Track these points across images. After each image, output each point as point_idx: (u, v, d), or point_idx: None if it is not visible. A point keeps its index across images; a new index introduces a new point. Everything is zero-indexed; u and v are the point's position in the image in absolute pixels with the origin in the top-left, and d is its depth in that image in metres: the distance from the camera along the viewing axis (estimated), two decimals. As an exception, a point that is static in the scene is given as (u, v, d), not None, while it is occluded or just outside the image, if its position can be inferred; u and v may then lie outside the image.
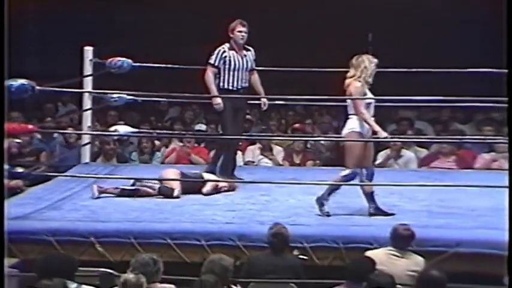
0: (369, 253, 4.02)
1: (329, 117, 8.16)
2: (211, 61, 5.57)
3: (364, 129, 4.79)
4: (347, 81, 4.83)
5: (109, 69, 6.16)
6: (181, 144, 6.99)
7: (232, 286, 3.61)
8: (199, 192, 5.41)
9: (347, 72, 4.87)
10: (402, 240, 4.07)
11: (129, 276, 3.36)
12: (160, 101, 8.01)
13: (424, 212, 4.93)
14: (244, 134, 7.18)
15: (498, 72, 5.42)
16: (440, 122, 7.69)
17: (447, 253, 4.27)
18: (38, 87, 4.83)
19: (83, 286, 3.51)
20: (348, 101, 4.80)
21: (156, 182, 5.37)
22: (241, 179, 5.65)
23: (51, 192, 5.47)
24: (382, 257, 3.87)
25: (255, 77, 5.73)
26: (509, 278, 2.97)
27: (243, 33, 5.53)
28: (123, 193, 5.34)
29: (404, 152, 6.66)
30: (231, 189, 5.52)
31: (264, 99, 5.76)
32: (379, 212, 4.80)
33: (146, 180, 5.39)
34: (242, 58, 5.60)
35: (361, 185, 4.86)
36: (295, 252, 4.36)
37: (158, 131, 7.27)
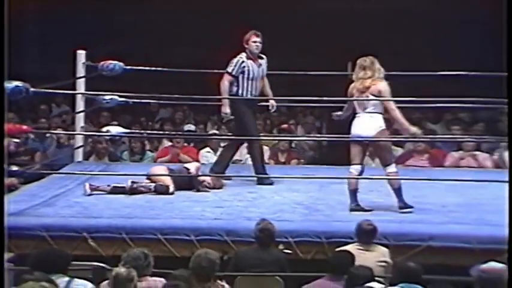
0: (339, 249, 4.02)
1: (312, 117, 8.18)
2: (230, 70, 5.54)
3: None
4: (368, 82, 4.78)
5: (101, 72, 6.13)
6: (171, 144, 6.97)
7: (218, 281, 3.58)
8: (188, 187, 5.40)
9: (349, 75, 4.90)
10: (366, 234, 4.11)
11: (121, 270, 3.33)
12: (151, 103, 7.98)
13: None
14: (230, 133, 7.20)
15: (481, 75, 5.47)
16: (413, 122, 7.68)
17: (421, 247, 4.31)
18: (32, 89, 4.80)
19: (76, 279, 3.48)
20: (373, 98, 4.76)
21: (150, 182, 5.33)
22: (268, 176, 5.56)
23: (45, 189, 5.44)
24: (352, 251, 3.88)
25: (265, 81, 5.70)
26: (509, 277, 2.96)
27: (257, 43, 5.51)
28: (115, 190, 5.31)
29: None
30: (217, 186, 5.49)
31: (272, 101, 5.71)
32: (406, 205, 4.81)
33: (142, 181, 5.33)
34: (258, 67, 5.58)
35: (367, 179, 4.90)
36: (280, 247, 4.36)
37: (149, 132, 7.24)
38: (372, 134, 4.78)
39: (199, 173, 5.51)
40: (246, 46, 5.54)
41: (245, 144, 6.99)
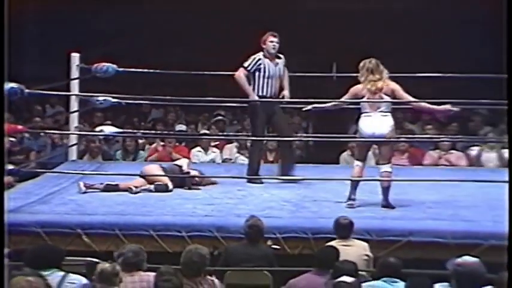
0: (325, 245, 4.04)
1: (299, 118, 8.19)
2: (245, 65, 5.56)
3: None
4: (380, 83, 4.86)
5: (95, 73, 6.11)
6: (163, 143, 6.96)
7: (208, 276, 3.58)
8: (180, 185, 5.42)
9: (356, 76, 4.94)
10: (344, 229, 4.15)
11: (105, 265, 3.32)
12: (143, 103, 7.96)
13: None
14: (220, 133, 7.20)
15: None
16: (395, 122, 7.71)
17: (401, 242, 4.37)
18: (27, 90, 4.78)
19: (70, 274, 3.47)
20: (386, 98, 4.86)
21: (147, 183, 5.33)
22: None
23: (40, 187, 5.44)
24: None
25: (285, 78, 5.66)
26: (509, 276, 2.99)
27: (274, 43, 5.52)
28: (108, 188, 5.30)
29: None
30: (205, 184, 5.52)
31: (285, 92, 5.62)
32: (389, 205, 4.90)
33: (141, 185, 5.33)
34: (275, 66, 5.57)
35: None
36: (269, 243, 4.39)
37: (142, 131, 7.23)
38: (385, 133, 4.86)
39: (189, 169, 5.51)
40: (264, 46, 5.56)
41: (234, 144, 7.04)
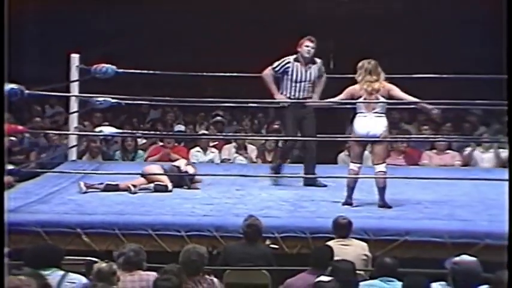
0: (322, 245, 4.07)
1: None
2: (274, 65, 5.53)
3: None
4: (376, 84, 4.90)
5: (94, 74, 6.14)
6: (162, 143, 6.99)
7: (206, 275, 3.61)
8: (179, 184, 5.44)
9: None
10: (342, 228, 4.17)
11: (102, 265, 3.35)
12: (142, 104, 7.99)
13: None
14: (219, 133, 7.21)
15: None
16: (391, 123, 7.73)
17: (398, 241, 4.41)
18: (27, 91, 4.81)
19: (70, 273, 3.49)
20: (382, 99, 4.91)
21: (147, 182, 5.35)
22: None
23: (40, 187, 5.46)
24: (333, 247, 3.93)
25: (320, 83, 5.59)
26: (509, 275, 3.03)
27: (309, 48, 5.46)
28: (108, 188, 5.33)
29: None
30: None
31: (313, 96, 5.53)
32: (386, 205, 4.93)
33: (140, 183, 5.36)
34: (306, 71, 5.49)
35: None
36: (267, 242, 4.41)
37: (141, 132, 7.26)
38: (379, 133, 4.90)
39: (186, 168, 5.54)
40: (299, 50, 5.49)
41: (233, 144, 7.07)
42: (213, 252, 4.30)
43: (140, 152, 6.99)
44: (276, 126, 7.61)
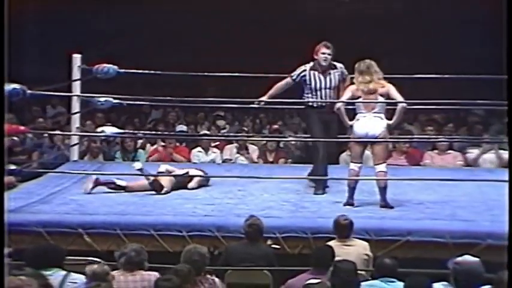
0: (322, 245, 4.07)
1: (298, 118, 8.23)
2: (292, 74, 5.41)
3: None
4: (371, 85, 4.90)
5: (96, 74, 6.14)
6: (163, 144, 6.99)
7: (208, 275, 3.61)
8: (185, 187, 5.44)
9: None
10: (343, 229, 4.18)
11: (94, 266, 3.36)
12: (144, 104, 8.00)
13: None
14: (220, 134, 7.21)
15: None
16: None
17: (400, 241, 4.41)
18: (29, 91, 4.81)
19: (72, 274, 3.50)
20: (381, 100, 4.90)
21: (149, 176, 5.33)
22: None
23: (42, 187, 5.46)
24: (334, 247, 3.94)
25: (344, 84, 5.40)
26: (509, 275, 3.04)
27: (326, 55, 5.30)
28: (115, 187, 5.31)
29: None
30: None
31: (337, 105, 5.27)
32: (388, 205, 4.92)
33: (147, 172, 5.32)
34: (325, 78, 5.32)
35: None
36: (269, 242, 4.41)
37: (143, 132, 7.27)
38: (378, 133, 4.90)
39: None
40: (316, 57, 5.33)
41: (234, 144, 7.08)
42: (215, 252, 4.30)
43: (141, 151, 6.99)
44: (276, 126, 7.62)
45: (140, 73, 6.32)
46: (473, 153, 6.58)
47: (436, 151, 6.72)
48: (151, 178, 5.33)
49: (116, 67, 6.18)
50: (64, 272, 3.48)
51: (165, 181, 5.37)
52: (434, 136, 6.94)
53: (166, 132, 7.29)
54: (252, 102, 5.71)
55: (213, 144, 7.01)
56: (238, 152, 6.98)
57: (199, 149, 6.91)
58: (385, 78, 5.02)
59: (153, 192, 5.31)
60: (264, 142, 7.04)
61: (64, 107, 8.07)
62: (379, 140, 4.93)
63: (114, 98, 6.04)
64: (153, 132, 7.36)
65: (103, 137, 6.40)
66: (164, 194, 5.30)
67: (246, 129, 7.66)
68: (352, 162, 5.03)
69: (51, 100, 8.49)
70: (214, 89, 9.00)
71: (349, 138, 5.08)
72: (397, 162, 6.46)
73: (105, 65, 6.14)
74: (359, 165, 4.98)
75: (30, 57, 9.45)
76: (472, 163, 6.54)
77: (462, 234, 4.39)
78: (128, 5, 9.19)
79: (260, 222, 4.26)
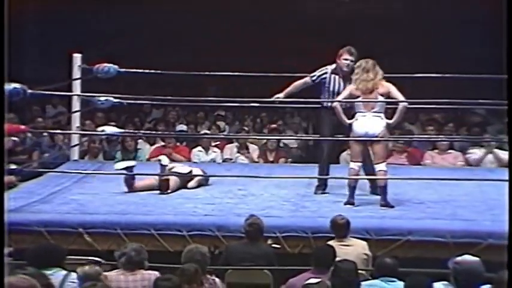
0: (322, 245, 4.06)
1: (299, 118, 8.23)
2: (312, 74, 5.35)
3: None
4: (371, 83, 4.90)
5: (96, 74, 6.13)
6: (163, 143, 6.99)
7: (208, 276, 3.60)
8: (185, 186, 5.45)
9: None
10: (340, 228, 4.18)
11: (85, 268, 3.36)
12: (144, 103, 8.00)
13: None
14: (221, 133, 7.20)
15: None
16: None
17: (400, 241, 4.41)
18: (29, 91, 4.80)
19: (72, 273, 3.49)
20: (381, 99, 4.89)
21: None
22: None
23: (42, 187, 5.46)
24: (333, 246, 3.93)
25: None
26: (509, 275, 3.04)
27: (348, 62, 5.21)
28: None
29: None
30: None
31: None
32: (388, 204, 4.91)
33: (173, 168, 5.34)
34: (344, 83, 5.23)
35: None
36: (269, 242, 4.40)
37: (143, 131, 7.26)
38: (377, 132, 4.90)
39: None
40: (338, 61, 5.26)
41: (235, 144, 7.07)
42: (215, 251, 4.30)
43: (141, 152, 6.98)
44: (274, 126, 7.61)
45: (140, 72, 6.32)
46: (475, 153, 6.57)
47: (436, 151, 6.72)
48: (164, 162, 5.29)
49: (116, 66, 6.18)
50: (64, 272, 3.47)
51: (172, 181, 5.36)
52: (434, 136, 6.94)
53: (166, 132, 7.29)
54: (253, 102, 5.70)
55: (213, 144, 7.01)
56: (238, 152, 6.98)
57: (199, 148, 6.91)
58: (385, 78, 5.02)
59: (157, 191, 5.30)
60: (265, 141, 7.04)
61: (64, 107, 8.06)
62: (378, 139, 4.93)
63: (115, 98, 6.03)
64: (153, 131, 7.36)
65: (103, 137, 6.39)
66: (167, 194, 5.29)
67: (246, 128, 7.66)
68: (352, 161, 5.03)
69: (51, 100, 8.48)
70: (214, 89, 9.01)
71: (347, 137, 5.07)
72: (398, 162, 6.46)
73: (105, 64, 6.14)
74: (359, 164, 4.98)
75: (30, 57, 9.44)
76: (474, 163, 6.54)
77: (462, 234, 4.39)
78: (127, 5, 9.18)
79: (260, 222, 4.26)
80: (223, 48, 9.14)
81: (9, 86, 4.57)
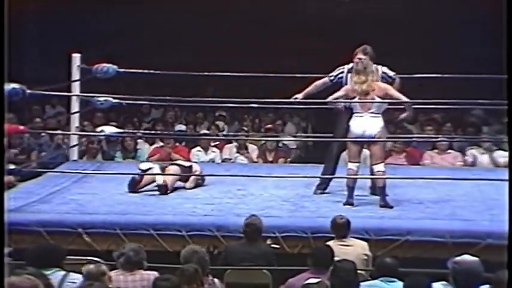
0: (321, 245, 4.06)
1: (298, 118, 8.23)
2: (330, 74, 5.37)
3: None
4: (364, 86, 4.91)
5: (95, 74, 6.14)
6: (162, 143, 7.00)
7: (206, 276, 3.60)
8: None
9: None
10: (340, 228, 4.18)
11: (90, 266, 3.35)
12: (143, 104, 8.00)
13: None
14: (220, 133, 7.21)
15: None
16: (393, 123, 7.74)
17: (399, 241, 4.41)
18: (28, 91, 4.81)
19: (71, 273, 3.49)
20: (377, 100, 4.89)
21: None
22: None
23: (41, 187, 5.46)
24: (333, 247, 3.94)
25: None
26: (509, 275, 3.04)
27: (362, 60, 5.16)
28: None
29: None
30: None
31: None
32: (387, 204, 4.92)
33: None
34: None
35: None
36: (268, 242, 4.40)
37: (142, 131, 7.27)
38: (374, 133, 4.91)
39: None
40: (354, 60, 5.25)
41: (234, 144, 7.08)
42: (214, 252, 4.30)
43: (141, 151, 6.99)
44: (269, 126, 7.60)
45: (140, 73, 6.33)
46: (471, 155, 6.60)
47: (435, 151, 6.73)
48: (160, 182, 5.29)
49: (115, 67, 6.19)
50: (63, 272, 3.47)
51: (170, 181, 5.35)
52: (434, 136, 6.95)
53: (165, 132, 7.30)
54: (252, 102, 5.70)
55: (212, 144, 7.02)
56: (237, 152, 6.99)
57: (198, 148, 6.92)
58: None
59: (157, 192, 5.30)
60: (264, 142, 7.05)
61: (64, 107, 8.07)
62: (376, 139, 4.93)
63: (114, 98, 6.04)
64: (153, 131, 7.36)
65: (102, 137, 6.39)
66: (167, 193, 5.29)
67: (245, 128, 7.67)
68: (350, 161, 5.03)
69: (50, 100, 8.49)
70: (214, 89, 9.01)
71: (345, 137, 5.07)
72: (397, 162, 6.46)
73: (104, 64, 6.14)
74: (357, 164, 4.98)
75: (30, 57, 9.45)
76: (469, 165, 6.56)
77: (462, 234, 4.40)
78: (128, 5, 9.19)
79: (259, 222, 4.26)
80: (223, 48, 9.15)
81: (8, 86, 4.57)
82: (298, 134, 7.59)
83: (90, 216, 4.71)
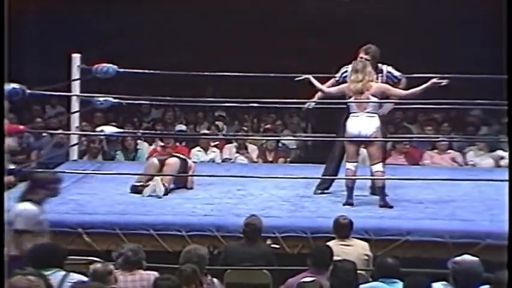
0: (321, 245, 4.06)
1: (298, 118, 8.23)
2: (336, 75, 5.36)
3: None
4: (359, 84, 4.90)
5: (95, 74, 6.14)
6: (162, 144, 6.99)
7: (205, 276, 3.61)
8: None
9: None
10: (343, 228, 4.18)
11: (97, 265, 3.36)
12: (143, 103, 8.00)
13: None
14: (220, 133, 7.21)
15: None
16: (393, 123, 7.75)
17: (399, 241, 4.41)
18: (28, 91, 4.81)
19: (71, 274, 3.49)
20: (374, 100, 4.89)
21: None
22: None
23: (41, 187, 5.43)
24: (333, 248, 3.93)
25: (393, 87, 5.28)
26: (509, 275, 3.04)
27: (362, 60, 5.16)
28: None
29: (361, 150, 6.74)
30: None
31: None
32: (387, 204, 4.91)
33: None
34: None
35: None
36: (268, 242, 4.41)
37: (142, 131, 7.27)
38: (370, 133, 4.90)
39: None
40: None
41: (234, 144, 7.08)
42: (214, 252, 4.30)
43: (141, 151, 6.99)
44: (268, 126, 7.60)
45: (140, 73, 6.33)
46: (471, 157, 6.61)
47: (435, 151, 6.73)
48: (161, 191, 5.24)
49: (115, 67, 6.18)
50: (63, 272, 3.47)
51: (167, 182, 5.35)
52: (433, 136, 6.95)
53: (165, 132, 7.30)
54: (252, 102, 5.70)
55: (212, 144, 7.02)
56: (237, 152, 6.99)
57: (198, 148, 6.92)
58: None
59: (155, 195, 5.29)
60: (264, 142, 7.05)
61: (63, 107, 8.07)
62: (372, 139, 4.92)
63: (114, 98, 6.04)
64: (153, 131, 7.37)
65: (102, 137, 6.40)
66: (165, 194, 5.28)
67: (245, 128, 7.67)
68: (348, 162, 5.02)
69: (50, 100, 8.49)
70: (214, 89, 9.01)
71: (341, 137, 5.06)
72: (397, 162, 6.46)
73: (104, 64, 6.14)
74: (355, 164, 4.97)
75: (30, 57, 9.45)
76: (469, 162, 6.56)
77: (461, 234, 4.40)
78: (128, 5, 9.19)
79: (258, 222, 4.27)
80: (223, 48, 9.15)
81: (8, 86, 4.57)
82: (298, 134, 7.58)
83: (90, 216, 4.71)
